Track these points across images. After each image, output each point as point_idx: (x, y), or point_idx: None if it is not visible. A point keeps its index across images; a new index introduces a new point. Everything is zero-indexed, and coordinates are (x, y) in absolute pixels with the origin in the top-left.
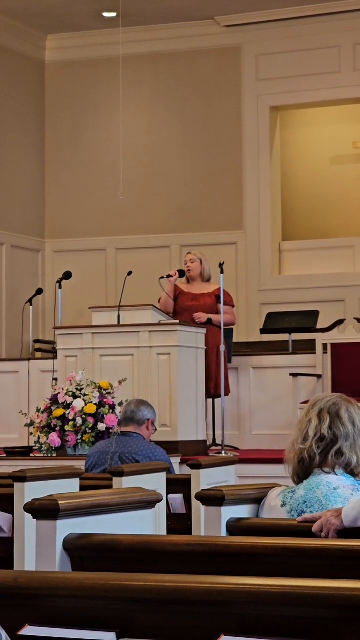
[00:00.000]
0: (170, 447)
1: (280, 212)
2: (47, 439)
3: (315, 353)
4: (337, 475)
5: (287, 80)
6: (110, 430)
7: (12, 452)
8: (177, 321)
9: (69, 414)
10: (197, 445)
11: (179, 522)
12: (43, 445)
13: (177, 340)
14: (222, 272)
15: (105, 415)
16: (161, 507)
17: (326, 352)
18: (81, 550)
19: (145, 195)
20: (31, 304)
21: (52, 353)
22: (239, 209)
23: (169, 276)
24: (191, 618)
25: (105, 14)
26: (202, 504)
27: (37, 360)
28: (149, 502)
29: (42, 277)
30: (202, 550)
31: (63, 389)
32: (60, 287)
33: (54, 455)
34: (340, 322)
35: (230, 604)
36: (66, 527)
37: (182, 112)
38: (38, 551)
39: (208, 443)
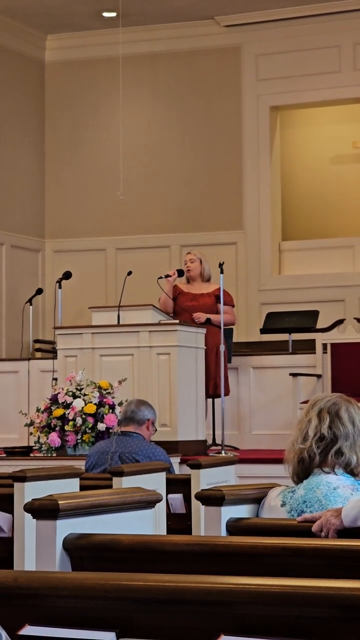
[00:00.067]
0: (170, 447)
1: (280, 212)
2: (47, 438)
3: (315, 353)
4: (336, 475)
5: (287, 80)
6: (110, 430)
7: (12, 452)
8: (177, 321)
9: (68, 413)
10: (196, 445)
11: (179, 522)
12: (43, 445)
13: (177, 340)
14: (221, 272)
15: (105, 415)
16: (161, 507)
17: (326, 352)
18: (81, 550)
19: (145, 195)
20: (31, 304)
21: (52, 353)
22: (238, 209)
23: (167, 276)
24: (191, 618)
25: (105, 14)
26: (202, 504)
27: (37, 360)
28: (148, 502)
29: (42, 277)
30: (202, 550)
31: (63, 389)
32: (60, 287)
33: (54, 455)
34: (340, 322)
35: (230, 603)
36: (66, 527)
37: (182, 112)
38: (38, 551)
39: (208, 443)
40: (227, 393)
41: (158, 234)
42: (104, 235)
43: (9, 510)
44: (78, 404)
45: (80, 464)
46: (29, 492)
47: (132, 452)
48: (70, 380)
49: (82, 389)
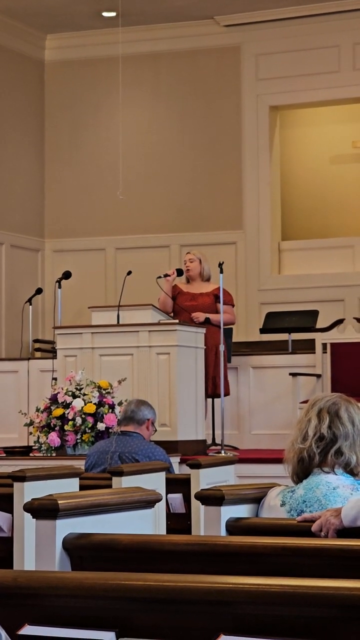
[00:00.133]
0: (170, 447)
1: (279, 212)
2: (47, 438)
3: (314, 353)
4: (336, 474)
5: (287, 80)
6: (110, 430)
7: (12, 452)
8: (177, 321)
9: (68, 413)
10: (196, 444)
11: (179, 522)
12: (42, 445)
13: (176, 340)
14: (221, 271)
15: (104, 415)
16: (160, 506)
17: (325, 352)
18: (80, 550)
19: (144, 194)
20: (31, 304)
21: (52, 353)
22: (238, 209)
23: (166, 275)
24: (190, 617)
25: (105, 14)
26: (202, 504)
27: (37, 359)
28: (148, 502)
29: (42, 277)
30: (202, 549)
31: (62, 389)
32: (59, 287)
33: (54, 454)
34: (339, 321)
35: (230, 603)
36: (65, 527)
37: (182, 112)
38: (37, 551)
39: (207, 443)
40: (226, 393)
41: (158, 234)
42: (103, 235)
43: (9, 510)
44: (78, 403)
45: (80, 464)
46: (28, 491)
47: (131, 452)
48: (69, 380)
49: (82, 388)
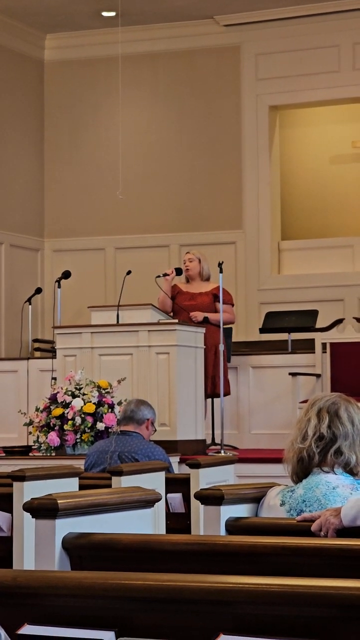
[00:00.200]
0: (169, 447)
1: (279, 212)
2: (46, 438)
3: (314, 352)
4: (336, 474)
5: (287, 80)
6: (110, 430)
7: (11, 452)
8: (176, 320)
9: (68, 413)
10: (196, 444)
11: (178, 522)
12: (42, 445)
13: (176, 340)
14: (221, 271)
15: (104, 415)
16: (160, 506)
17: (325, 352)
18: (80, 550)
19: (144, 194)
20: (30, 303)
21: (51, 352)
22: (238, 209)
23: (165, 274)
24: (190, 617)
25: (104, 13)
26: (201, 503)
27: (36, 359)
28: (148, 502)
29: (41, 277)
30: (201, 549)
31: (62, 388)
32: (59, 287)
33: (53, 454)
34: (339, 321)
35: (229, 603)
36: (65, 526)
37: (181, 112)
38: (37, 550)
39: (207, 442)
40: (226, 392)
41: (157, 234)
42: (103, 234)
43: (8, 509)
44: (77, 403)
45: (80, 464)
46: (28, 491)
47: (131, 452)
48: (69, 380)
49: (81, 388)
